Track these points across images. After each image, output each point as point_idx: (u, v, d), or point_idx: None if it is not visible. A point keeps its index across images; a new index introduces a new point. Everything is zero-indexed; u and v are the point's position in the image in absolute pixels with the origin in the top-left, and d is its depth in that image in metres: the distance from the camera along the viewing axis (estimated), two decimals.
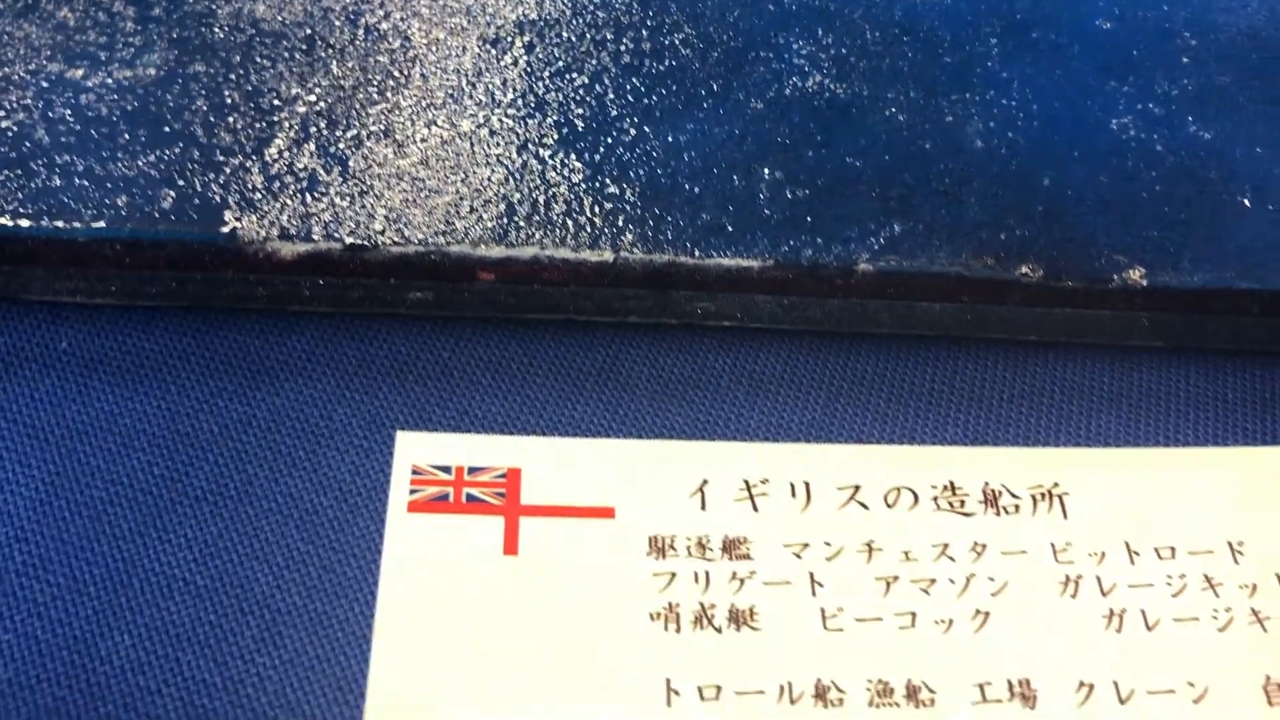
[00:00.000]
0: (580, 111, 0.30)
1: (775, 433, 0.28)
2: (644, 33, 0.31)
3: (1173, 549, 0.26)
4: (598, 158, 0.29)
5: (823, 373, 0.29)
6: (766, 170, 0.29)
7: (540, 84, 0.30)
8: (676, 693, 0.24)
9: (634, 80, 0.31)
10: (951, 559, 0.26)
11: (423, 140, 0.29)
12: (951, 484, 0.27)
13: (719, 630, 0.25)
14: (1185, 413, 0.29)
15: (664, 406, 0.28)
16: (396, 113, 0.29)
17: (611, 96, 0.30)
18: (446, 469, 0.26)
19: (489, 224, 0.28)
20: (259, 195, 0.28)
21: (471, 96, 0.30)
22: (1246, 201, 0.30)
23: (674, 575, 0.25)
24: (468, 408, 0.28)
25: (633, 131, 0.30)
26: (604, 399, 0.28)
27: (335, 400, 0.27)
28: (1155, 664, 0.25)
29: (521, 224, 0.28)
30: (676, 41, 0.31)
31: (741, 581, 0.25)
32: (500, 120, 0.29)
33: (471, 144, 0.29)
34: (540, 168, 0.29)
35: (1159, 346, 0.30)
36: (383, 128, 0.29)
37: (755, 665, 0.24)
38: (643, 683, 0.24)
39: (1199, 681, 0.25)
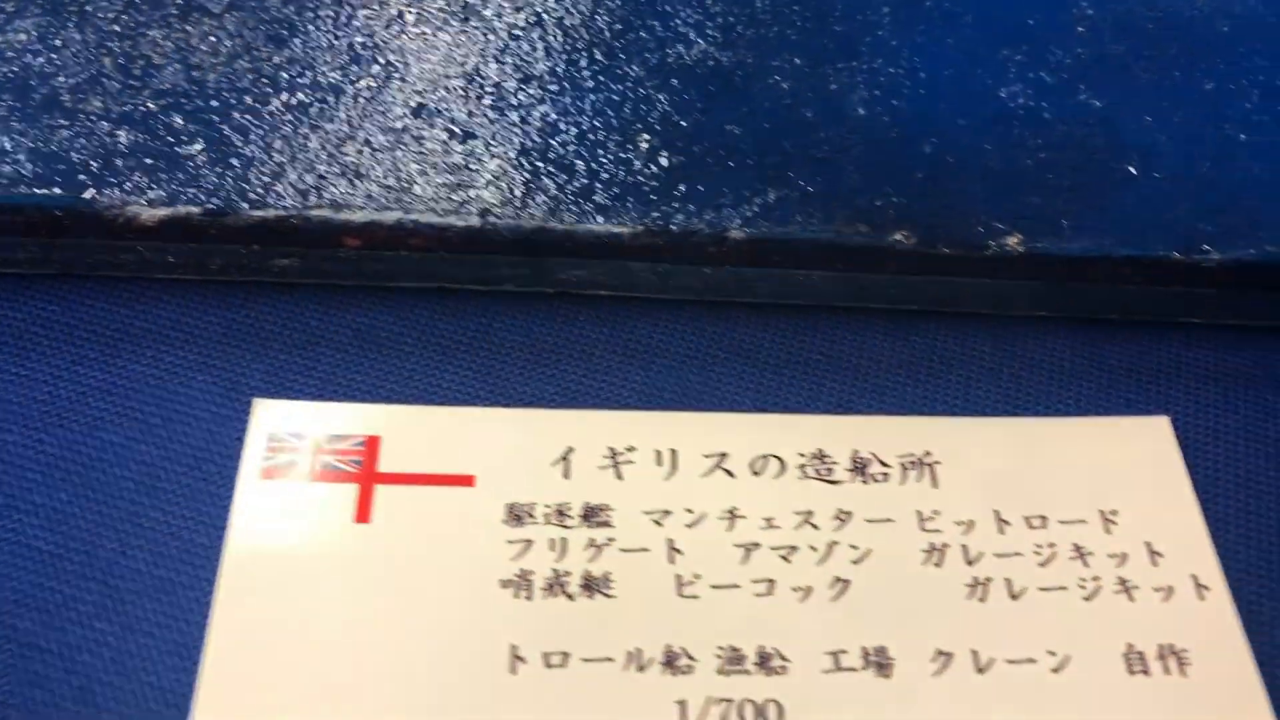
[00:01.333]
0: (451, 76, 0.29)
1: (647, 401, 0.27)
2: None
3: (1044, 518, 0.26)
4: (467, 122, 0.29)
5: (700, 342, 0.28)
6: (641, 137, 0.29)
7: (410, 50, 0.30)
8: (521, 660, 0.23)
9: (509, 45, 0.30)
10: (815, 527, 0.26)
11: (286, 106, 0.28)
12: (821, 452, 0.27)
13: (571, 598, 0.24)
14: (1066, 382, 0.28)
15: (535, 375, 0.28)
16: (260, 79, 0.29)
17: (484, 61, 0.30)
18: (303, 437, 0.26)
19: (353, 189, 0.27)
20: (121, 160, 0.27)
21: (337, 62, 0.29)
22: (1132, 169, 0.29)
23: (530, 543, 0.25)
24: (332, 376, 0.27)
25: (504, 97, 0.29)
26: (474, 368, 0.28)
27: (196, 368, 0.27)
28: (1017, 633, 0.24)
29: (386, 189, 0.27)
30: (558, 7, 0.31)
31: (599, 549, 0.25)
32: (367, 85, 0.29)
33: (335, 109, 0.29)
34: (407, 132, 0.28)
35: (1041, 315, 0.29)
36: (246, 94, 0.29)
37: (605, 633, 0.24)
38: (487, 650, 0.23)
39: (1060, 651, 0.24)
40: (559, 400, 0.27)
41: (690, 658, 0.24)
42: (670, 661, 0.24)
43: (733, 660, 0.24)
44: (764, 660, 0.24)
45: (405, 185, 0.27)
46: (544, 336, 0.28)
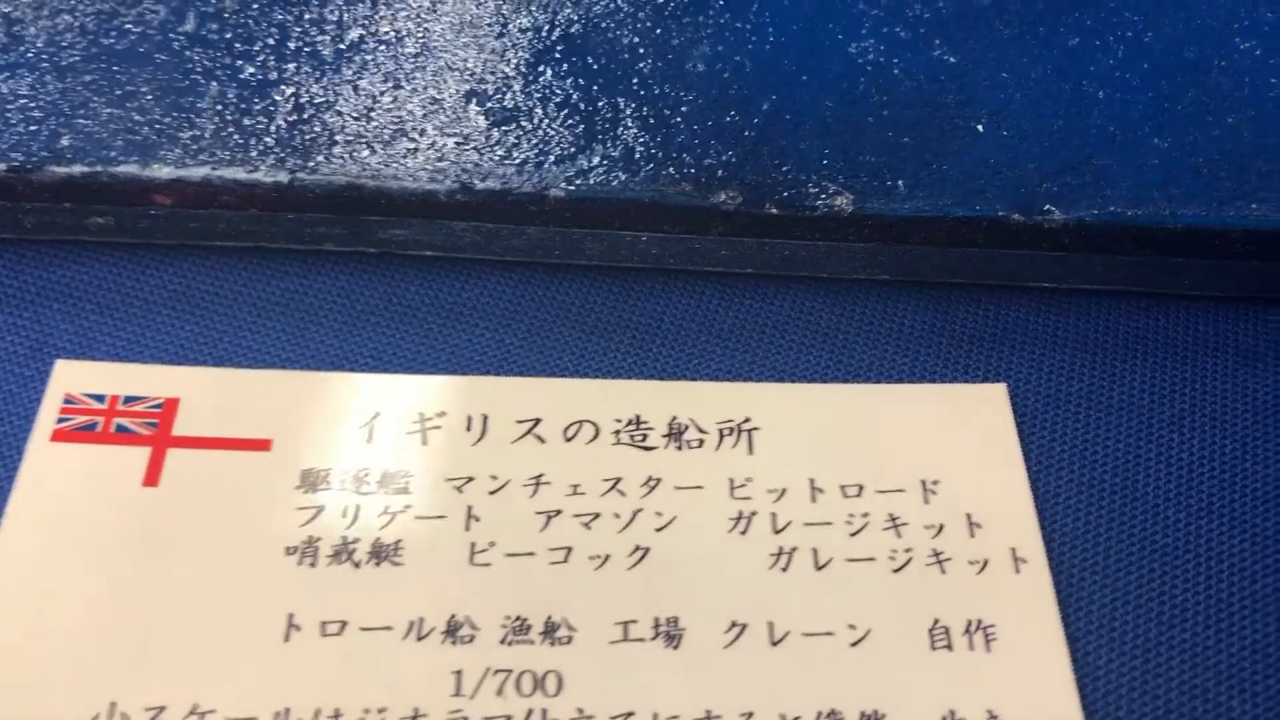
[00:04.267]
0: (260, 30, 0.29)
1: (466, 365, 0.27)
2: None
3: (860, 487, 0.25)
4: (273, 77, 0.28)
5: (526, 305, 0.28)
6: (462, 94, 0.28)
7: (219, 4, 0.29)
8: (297, 628, 0.23)
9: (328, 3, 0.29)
10: (622, 494, 0.25)
11: (93, 59, 0.28)
12: (638, 418, 0.26)
13: (357, 565, 0.24)
14: (905, 348, 0.27)
15: (351, 338, 0.27)
16: (67, 33, 0.28)
17: (296, 16, 0.29)
18: (101, 398, 0.25)
19: (162, 145, 0.26)
20: None
21: (142, 16, 0.29)
22: (980, 127, 0.28)
23: (321, 509, 0.24)
24: (140, 337, 0.26)
25: (317, 50, 0.28)
26: (288, 330, 0.27)
27: (3, 329, 0.26)
28: (817, 605, 0.23)
29: (195, 145, 0.27)
30: None
31: (393, 516, 0.24)
32: (173, 40, 0.28)
33: (140, 64, 0.28)
34: (213, 86, 0.27)
35: (883, 280, 0.28)
36: (54, 48, 0.28)
37: (389, 601, 0.23)
38: (263, 617, 0.23)
39: (861, 624, 0.23)
40: (374, 364, 0.27)
41: (474, 627, 0.23)
42: (452, 631, 0.23)
43: (518, 630, 0.23)
44: (550, 630, 0.23)
45: (213, 141, 0.26)
46: (364, 298, 0.27)
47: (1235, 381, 0.27)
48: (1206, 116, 0.29)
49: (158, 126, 0.27)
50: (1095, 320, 0.28)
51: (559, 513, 0.24)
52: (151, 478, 0.24)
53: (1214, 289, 0.28)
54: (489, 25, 0.29)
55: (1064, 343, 0.28)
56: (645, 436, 0.26)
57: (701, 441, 0.26)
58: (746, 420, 0.26)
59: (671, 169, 0.27)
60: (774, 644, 0.23)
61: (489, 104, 0.27)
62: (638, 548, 0.24)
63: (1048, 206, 0.27)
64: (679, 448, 0.26)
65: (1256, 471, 0.26)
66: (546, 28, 0.29)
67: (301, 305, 0.27)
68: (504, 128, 0.27)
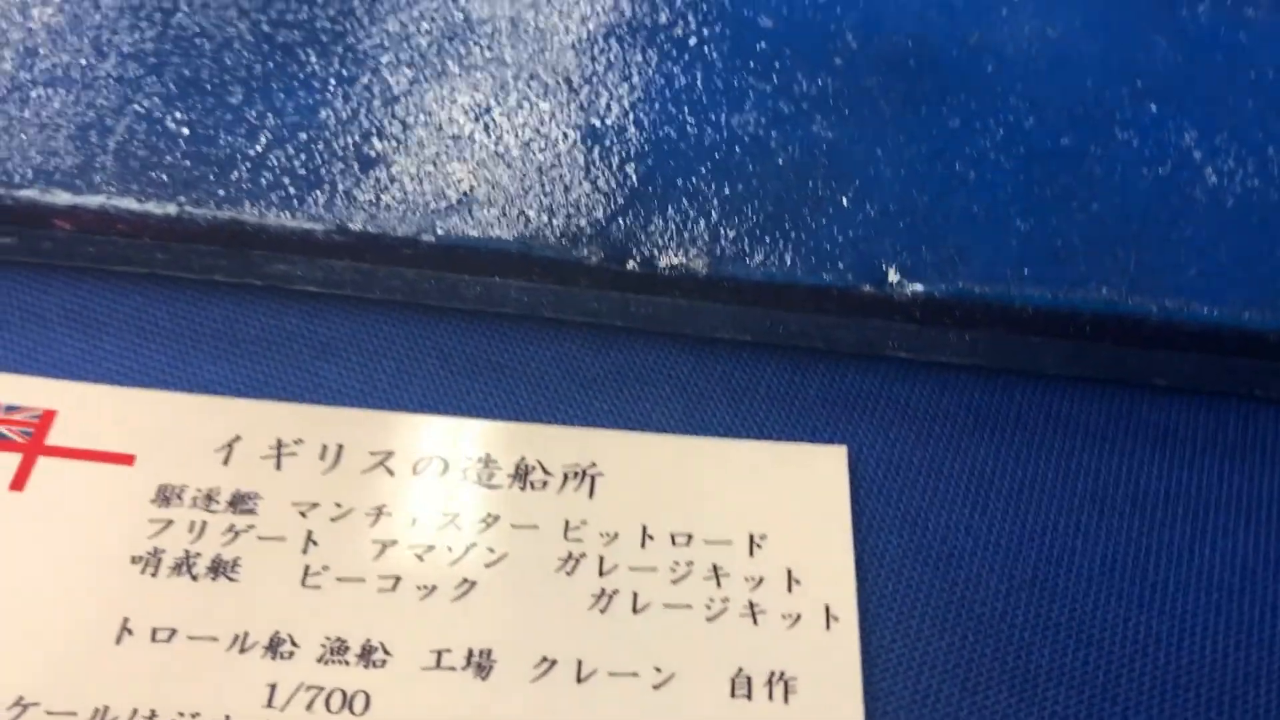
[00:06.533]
0: (168, 69, 0.30)
1: (333, 396, 0.28)
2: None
3: (690, 536, 0.26)
4: (172, 114, 0.29)
5: (398, 343, 0.29)
6: (341, 139, 0.29)
7: (125, 42, 0.31)
8: (130, 632, 0.24)
9: (214, 45, 0.31)
10: (458, 528, 0.26)
11: (5, 91, 0.30)
12: (488, 456, 0.27)
13: (195, 578, 0.25)
14: (760, 406, 0.28)
15: (229, 364, 0.28)
16: None
17: (198, 60, 0.31)
18: None
19: (62, 173, 0.28)
20: None
21: (54, 48, 0.31)
22: (845, 200, 0.29)
23: (170, 523, 0.25)
24: (32, 351, 0.28)
25: (210, 94, 0.30)
26: (170, 353, 0.28)
27: None
28: (628, 647, 0.24)
29: (93, 174, 0.28)
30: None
31: (236, 534, 0.25)
32: (84, 75, 0.30)
33: (49, 96, 0.30)
34: (114, 121, 0.29)
35: (747, 340, 0.29)
36: None
37: (220, 613, 0.24)
38: (99, 620, 0.24)
39: (667, 667, 0.24)
40: (245, 390, 0.28)
41: (294, 644, 0.24)
42: (274, 646, 0.24)
43: (336, 650, 0.24)
44: (366, 653, 0.24)
45: (112, 172, 0.28)
46: (246, 328, 0.29)
47: (1078, 460, 0.28)
48: (1071, 202, 0.30)
49: (62, 156, 0.29)
50: (948, 392, 0.29)
51: (395, 543, 0.26)
52: (18, 483, 0.26)
53: (1070, 369, 0.29)
54: (368, 75, 0.31)
55: (914, 412, 0.29)
56: (492, 475, 0.27)
57: (546, 483, 0.27)
58: (593, 465, 0.27)
59: (541, 222, 0.28)
60: (579, 681, 0.24)
61: (367, 149, 0.29)
62: (465, 580, 0.25)
63: (899, 279, 0.28)
64: (523, 488, 0.27)
65: (1083, 549, 0.27)
66: (426, 82, 0.31)
67: (187, 331, 0.29)
68: (381, 172, 0.29)
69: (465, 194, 0.28)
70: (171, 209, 0.28)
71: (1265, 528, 0.27)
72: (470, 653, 0.24)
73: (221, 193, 0.28)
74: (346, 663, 0.24)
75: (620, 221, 0.28)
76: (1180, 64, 0.34)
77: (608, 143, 0.30)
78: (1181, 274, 0.29)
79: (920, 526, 0.27)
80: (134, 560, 0.25)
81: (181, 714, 0.23)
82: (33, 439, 0.27)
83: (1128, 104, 0.32)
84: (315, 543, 0.25)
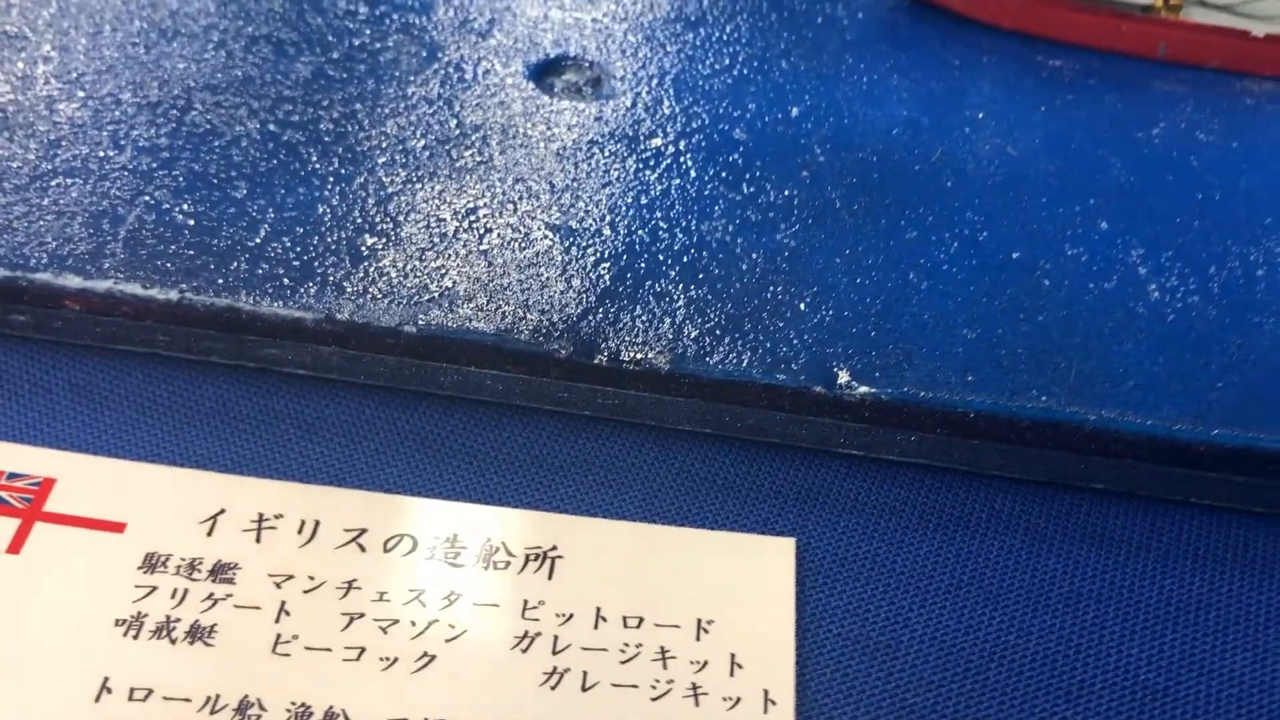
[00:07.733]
0: (178, 163, 0.33)
1: (314, 475, 0.30)
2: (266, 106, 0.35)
3: (641, 619, 0.28)
4: (180, 206, 0.32)
5: (378, 425, 0.31)
6: (335, 233, 0.32)
7: (121, 135, 0.33)
8: (109, 690, 0.26)
9: (235, 143, 0.34)
10: (423, 604, 0.28)
11: (20, 182, 0.32)
12: (455, 536, 0.29)
13: (174, 642, 0.26)
14: (715, 496, 0.30)
15: (221, 441, 0.30)
16: (9, 158, 0.32)
17: (207, 155, 0.33)
18: None
19: (73, 259, 0.31)
20: None
21: (71, 142, 0.33)
22: (802, 304, 0.31)
23: (154, 589, 0.27)
24: (38, 423, 0.30)
25: (216, 188, 0.32)
26: (166, 429, 0.30)
27: None
28: None
29: (101, 260, 0.30)
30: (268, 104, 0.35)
31: (215, 602, 0.27)
32: (95, 164, 0.32)
33: (64, 186, 0.32)
34: (125, 210, 0.32)
35: (706, 433, 0.31)
36: None
37: (195, 677, 0.26)
38: (81, 679, 0.26)
39: None
40: (234, 465, 0.30)
41: (262, 708, 0.26)
42: (242, 709, 0.26)
43: (301, 715, 0.26)
44: (329, 718, 0.26)
45: (119, 259, 0.30)
46: (238, 407, 0.31)
47: (1019, 559, 0.30)
48: (1019, 313, 0.32)
49: (75, 243, 0.31)
50: (895, 489, 0.31)
51: (362, 615, 0.27)
52: (15, 546, 0.28)
53: (1011, 471, 0.31)
54: (364, 174, 0.33)
55: (862, 507, 0.30)
56: (458, 555, 0.29)
57: (508, 564, 0.28)
58: (554, 548, 0.29)
59: (516, 316, 0.30)
60: None
61: (359, 243, 0.31)
62: (425, 654, 0.27)
63: (849, 381, 0.30)
64: (486, 568, 0.28)
65: (1017, 644, 0.28)
66: (418, 182, 0.33)
67: (182, 408, 0.31)
68: (370, 266, 0.31)
69: (447, 288, 0.31)
70: (174, 295, 0.30)
71: (1192, 630, 0.29)
72: None
73: (221, 281, 0.30)
74: None
75: (590, 319, 0.30)
76: (1132, 184, 0.36)
77: (583, 244, 0.32)
78: (1119, 385, 0.30)
79: (862, 617, 0.28)
80: (118, 623, 0.27)
81: None
82: (32, 505, 0.28)
83: (1079, 221, 0.34)
84: (288, 613, 0.27)
